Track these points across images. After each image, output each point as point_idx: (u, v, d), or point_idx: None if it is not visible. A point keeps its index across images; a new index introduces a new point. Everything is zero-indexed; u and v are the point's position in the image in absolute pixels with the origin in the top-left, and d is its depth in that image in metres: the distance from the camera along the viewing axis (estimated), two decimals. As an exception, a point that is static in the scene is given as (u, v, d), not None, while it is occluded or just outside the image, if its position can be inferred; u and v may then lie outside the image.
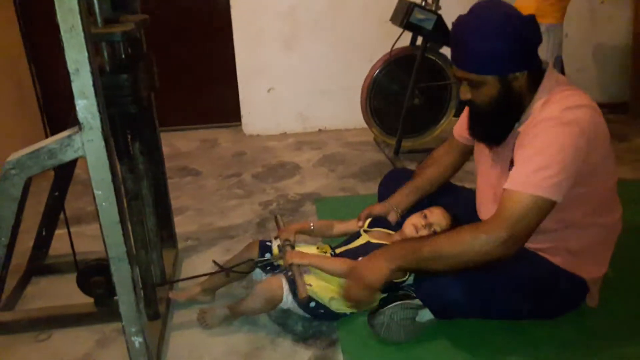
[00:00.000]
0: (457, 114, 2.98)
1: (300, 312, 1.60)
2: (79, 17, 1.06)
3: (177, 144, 3.24)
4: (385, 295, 1.56)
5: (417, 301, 1.53)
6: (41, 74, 3.12)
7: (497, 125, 1.47)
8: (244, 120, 3.40)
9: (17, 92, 2.93)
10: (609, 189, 1.50)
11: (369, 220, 1.79)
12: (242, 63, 3.25)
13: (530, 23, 1.38)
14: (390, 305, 1.51)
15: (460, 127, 1.75)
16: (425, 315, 1.54)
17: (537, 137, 1.35)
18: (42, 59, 3.08)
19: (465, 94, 1.45)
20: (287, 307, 1.60)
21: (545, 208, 1.33)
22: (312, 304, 1.58)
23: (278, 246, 1.71)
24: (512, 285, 1.46)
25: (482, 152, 1.63)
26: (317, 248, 1.72)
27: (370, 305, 1.53)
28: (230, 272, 1.68)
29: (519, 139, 1.42)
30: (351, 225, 1.82)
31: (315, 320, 1.63)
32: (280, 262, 1.67)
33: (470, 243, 1.33)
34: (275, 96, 3.34)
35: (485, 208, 1.61)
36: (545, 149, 1.33)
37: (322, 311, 1.59)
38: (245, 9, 3.13)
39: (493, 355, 1.49)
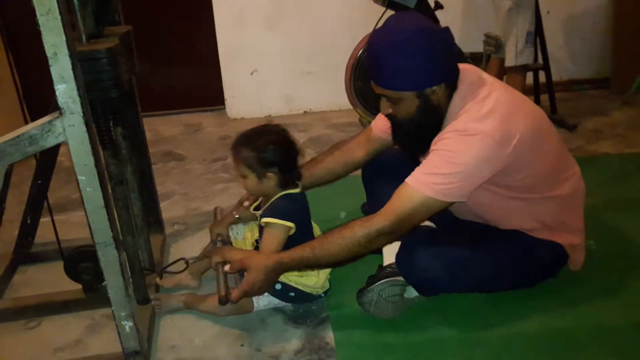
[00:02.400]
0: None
1: (276, 302, 1.60)
2: (54, 0, 1.04)
3: (160, 129, 3.21)
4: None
5: None
6: (19, 61, 3.06)
7: (419, 138, 1.48)
8: (227, 103, 3.38)
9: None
10: (554, 163, 1.52)
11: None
12: (224, 45, 3.22)
13: (444, 35, 1.39)
14: (378, 283, 1.52)
15: (383, 123, 1.69)
16: (414, 291, 1.57)
17: (442, 143, 1.38)
18: (20, 45, 3.03)
19: (386, 109, 1.46)
20: (262, 307, 1.60)
21: (434, 207, 1.39)
22: (278, 286, 1.57)
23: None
24: (491, 257, 1.52)
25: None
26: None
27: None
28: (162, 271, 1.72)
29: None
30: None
31: (292, 303, 1.63)
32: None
33: (364, 236, 1.39)
34: (259, 78, 3.32)
35: None
36: (446, 155, 1.37)
37: (293, 294, 1.60)
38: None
39: (481, 329, 1.52)
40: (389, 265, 1.60)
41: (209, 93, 3.42)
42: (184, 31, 3.28)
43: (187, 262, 1.71)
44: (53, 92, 1.12)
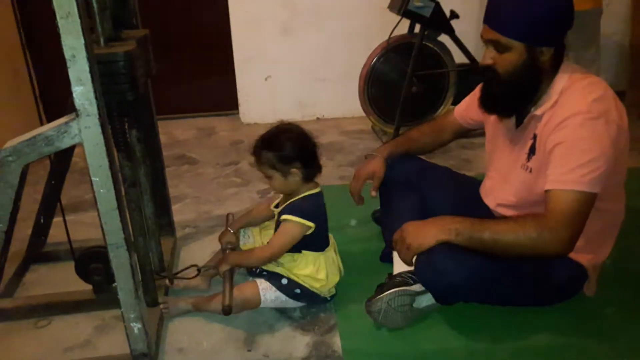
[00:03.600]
0: (455, 102, 2.97)
1: (283, 298, 1.60)
2: (74, 3, 1.05)
3: (174, 132, 3.23)
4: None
5: (415, 287, 1.54)
6: (37, 62, 3.10)
7: (512, 97, 1.46)
8: (241, 108, 3.39)
9: (13, 81, 2.92)
10: (621, 174, 1.49)
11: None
12: (239, 50, 3.24)
13: (571, 1, 1.38)
14: (387, 292, 1.52)
15: (463, 108, 1.76)
16: (423, 301, 1.56)
17: (570, 132, 1.34)
18: (38, 47, 3.07)
19: (488, 59, 1.44)
20: (270, 303, 1.61)
21: (590, 202, 1.34)
22: (285, 281, 1.59)
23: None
24: (514, 271, 1.47)
25: (497, 136, 1.63)
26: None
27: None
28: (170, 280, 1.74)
29: (541, 129, 1.42)
30: (263, 206, 1.82)
31: (297, 301, 1.63)
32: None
33: (533, 239, 1.33)
34: (273, 84, 3.33)
35: (496, 191, 1.62)
36: (581, 144, 1.32)
37: (299, 290, 1.60)
38: (243, -5, 3.11)
39: (490, 341, 1.51)
40: (399, 274, 1.59)
41: (223, 98, 3.44)
42: (200, 36, 3.30)
43: (198, 269, 1.72)
44: (69, 93, 1.13)
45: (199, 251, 1.97)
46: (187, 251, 1.99)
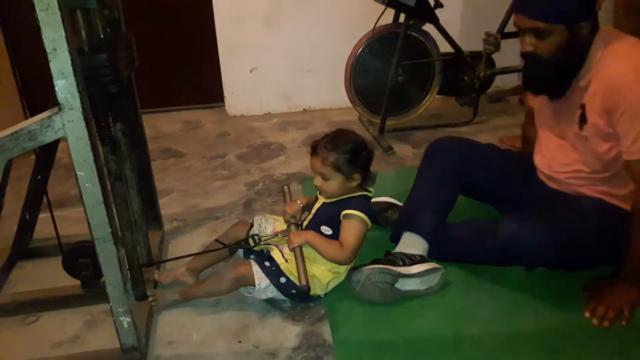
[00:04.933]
0: (441, 92, 2.99)
1: (270, 293, 1.60)
2: (54, -5, 1.04)
3: (159, 125, 3.21)
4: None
5: (401, 269, 1.57)
6: (19, 56, 3.05)
7: (560, 76, 1.50)
8: (227, 100, 3.37)
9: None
10: None
11: None
12: (224, 42, 3.21)
13: None
14: (369, 266, 1.56)
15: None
16: (407, 284, 1.58)
17: (626, 98, 1.38)
18: (19, 41, 3.02)
19: (527, 45, 1.47)
20: (258, 295, 1.60)
21: None
22: (283, 280, 1.58)
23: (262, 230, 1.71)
24: (595, 233, 1.51)
25: (542, 110, 1.68)
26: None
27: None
28: (233, 252, 1.71)
29: (589, 98, 1.46)
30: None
31: (290, 299, 1.63)
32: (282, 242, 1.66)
33: None
34: (259, 76, 3.31)
35: (551, 158, 1.67)
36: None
37: (295, 291, 1.60)
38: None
39: (479, 328, 1.52)
40: (393, 254, 1.61)
41: (208, 90, 3.41)
42: (184, 27, 3.27)
43: (259, 239, 1.66)
44: (52, 86, 1.12)
45: (188, 244, 1.97)
46: (175, 245, 1.99)
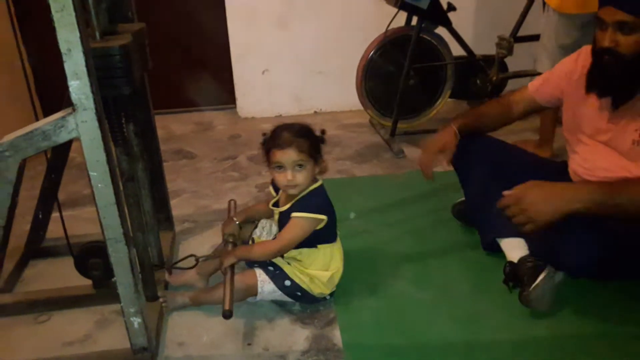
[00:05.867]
0: (453, 95, 2.98)
1: (279, 293, 1.60)
2: (69, -4, 1.04)
3: (171, 126, 3.22)
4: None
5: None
6: (33, 56, 3.09)
7: (635, 78, 1.44)
8: (238, 102, 3.38)
9: (8, 76, 2.90)
10: None
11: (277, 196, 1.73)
12: (236, 44, 3.22)
13: None
14: (541, 278, 1.52)
15: (539, 83, 1.74)
16: (558, 276, 1.57)
17: None
18: (34, 41, 3.05)
19: (608, 41, 1.41)
20: (262, 298, 1.62)
21: None
22: (288, 283, 1.59)
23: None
24: None
25: (583, 115, 1.61)
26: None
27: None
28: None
29: None
30: (263, 204, 1.80)
31: (296, 300, 1.64)
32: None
33: None
34: (270, 78, 3.32)
35: (593, 165, 1.60)
36: None
37: (299, 293, 1.60)
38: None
39: (490, 335, 1.51)
40: (527, 259, 1.59)
41: (220, 92, 3.42)
42: (197, 29, 3.29)
43: (197, 259, 1.71)
44: (66, 87, 1.13)
45: (198, 245, 1.97)
46: (186, 245, 1.99)
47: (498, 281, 1.68)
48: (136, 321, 1.32)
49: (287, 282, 1.59)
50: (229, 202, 1.84)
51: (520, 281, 1.60)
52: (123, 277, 1.27)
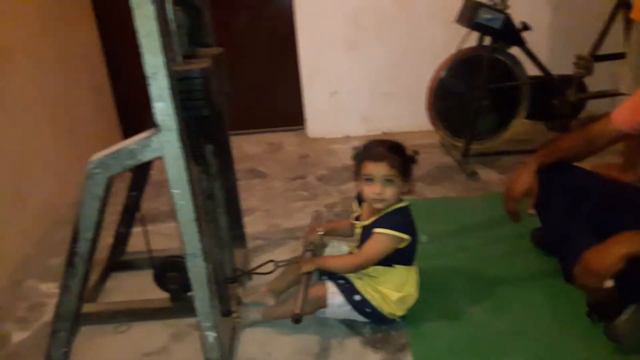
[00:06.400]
0: (529, 116, 2.88)
1: (348, 307, 1.59)
2: (155, 23, 1.10)
3: (244, 147, 3.32)
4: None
5: None
6: (116, 82, 3.30)
7: None
8: (307, 123, 3.44)
9: (95, 99, 3.11)
10: None
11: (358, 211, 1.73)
12: (306, 67, 3.29)
13: None
14: (632, 311, 1.46)
15: (626, 113, 1.65)
16: None
17: None
18: (118, 69, 3.26)
19: None
20: (332, 312, 1.61)
21: None
22: (357, 297, 1.58)
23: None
24: None
25: None
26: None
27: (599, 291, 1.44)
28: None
29: None
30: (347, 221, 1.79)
31: (365, 318, 1.62)
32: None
33: None
34: (339, 99, 3.36)
35: None
36: None
37: (369, 310, 1.59)
38: (310, 11, 3.16)
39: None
40: (612, 291, 1.49)
41: (290, 113, 3.50)
42: (268, 53, 3.39)
43: (276, 265, 1.72)
44: (148, 107, 1.18)
45: (270, 263, 2.00)
46: (257, 262, 2.00)
47: (581, 313, 1.59)
48: (211, 335, 1.35)
49: (357, 297, 1.58)
50: (315, 212, 1.87)
51: (605, 314, 1.51)
52: (200, 292, 1.31)
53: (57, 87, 2.61)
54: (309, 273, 1.57)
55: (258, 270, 1.76)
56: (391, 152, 1.57)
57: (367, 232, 1.60)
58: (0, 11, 2.19)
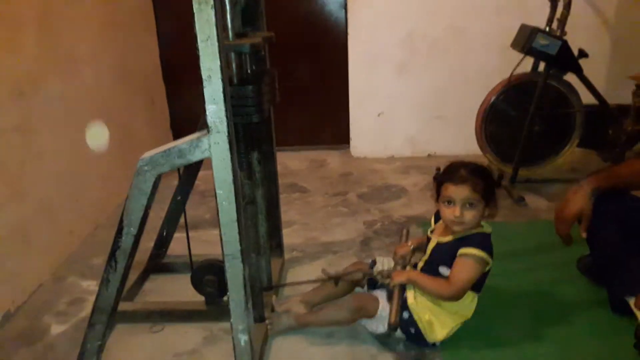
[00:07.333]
0: (582, 144, 2.79)
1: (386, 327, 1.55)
2: (214, 28, 1.14)
3: (287, 162, 3.35)
4: None
5: None
6: (171, 92, 3.41)
7: None
8: (352, 142, 3.44)
9: (150, 108, 3.22)
10: None
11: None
12: (355, 88, 3.31)
13: None
14: None
15: None
16: None
17: None
18: (173, 79, 3.38)
19: None
20: (377, 325, 1.57)
21: None
22: (406, 315, 1.54)
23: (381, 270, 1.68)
24: None
25: None
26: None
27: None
28: (337, 283, 1.68)
29: None
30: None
31: (405, 336, 1.58)
32: (386, 280, 1.63)
33: None
34: (385, 120, 3.35)
35: None
36: None
37: (413, 330, 1.55)
38: (363, 31, 3.19)
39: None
40: None
41: (336, 132, 3.52)
42: (319, 72, 3.44)
43: (364, 277, 1.70)
44: (193, 119, 1.21)
45: (305, 274, 1.99)
46: (293, 273, 2.02)
47: (628, 345, 1.50)
48: (243, 339, 1.35)
49: (406, 314, 1.55)
50: (403, 229, 1.84)
51: None
52: (235, 294, 1.31)
53: (115, 96, 2.72)
54: (401, 285, 1.55)
55: (349, 277, 1.71)
56: (474, 174, 1.53)
57: (442, 249, 1.57)
58: (69, 21, 2.31)
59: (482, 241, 1.53)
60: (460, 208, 1.51)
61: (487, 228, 1.59)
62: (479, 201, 1.52)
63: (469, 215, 1.52)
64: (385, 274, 1.62)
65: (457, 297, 1.52)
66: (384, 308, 1.55)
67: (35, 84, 2.04)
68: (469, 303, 1.57)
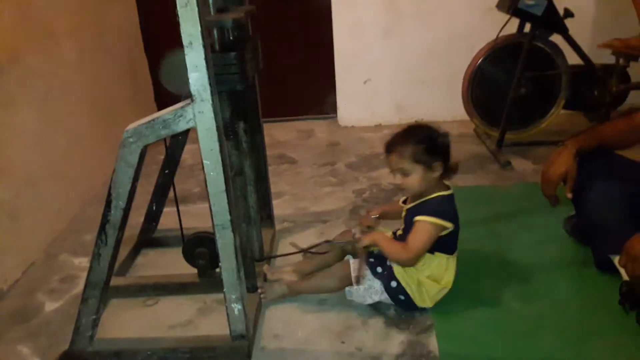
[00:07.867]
0: (568, 106, 2.80)
1: (376, 296, 1.58)
2: (193, -7, 1.11)
3: (275, 133, 3.32)
4: None
5: None
6: (153, 60, 3.35)
7: None
8: (339, 111, 3.42)
9: (132, 78, 3.17)
10: None
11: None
12: (340, 55, 3.27)
13: None
14: None
15: None
16: None
17: None
18: (155, 46, 3.31)
19: None
20: (362, 293, 1.59)
21: None
22: (394, 284, 1.56)
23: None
24: None
25: None
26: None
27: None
28: (309, 253, 1.73)
29: None
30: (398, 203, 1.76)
31: (394, 303, 1.60)
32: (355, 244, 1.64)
33: None
34: (371, 87, 3.33)
35: None
36: None
37: (402, 297, 1.57)
38: (346, -2, 3.14)
39: (601, 357, 1.39)
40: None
41: (322, 101, 3.49)
42: (303, 41, 3.38)
43: (331, 245, 1.73)
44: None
45: (297, 243, 2.00)
46: (284, 243, 2.03)
47: (613, 302, 1.54)
48: (236, 308, 1.36)
49: (394, 283, 1.56)
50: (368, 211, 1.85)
51: (638, 303, 1.46)
52: (227, 263, 1.31)
53: (95, 68, 2.66)
54: (366, 247, 1.56)
55: (314, 250, 1.75)
56: (401, 142, 1.52)
57: (408, 215, 1.58)
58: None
59: (437, 206, 1.53)
60: (399, 176, 1.53)
61: (445, 190, 1.57)
62: (411, 167, 1.51)
63: (409, 181, 1.53)
64: (351, 242, 1.65)
65: (411, 262, 1.53)
66: (372, 280, 1.58)
67: (14, 58, 1.99)
68: (446, 265, 1.58)
